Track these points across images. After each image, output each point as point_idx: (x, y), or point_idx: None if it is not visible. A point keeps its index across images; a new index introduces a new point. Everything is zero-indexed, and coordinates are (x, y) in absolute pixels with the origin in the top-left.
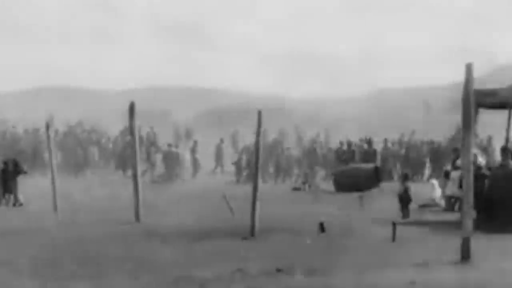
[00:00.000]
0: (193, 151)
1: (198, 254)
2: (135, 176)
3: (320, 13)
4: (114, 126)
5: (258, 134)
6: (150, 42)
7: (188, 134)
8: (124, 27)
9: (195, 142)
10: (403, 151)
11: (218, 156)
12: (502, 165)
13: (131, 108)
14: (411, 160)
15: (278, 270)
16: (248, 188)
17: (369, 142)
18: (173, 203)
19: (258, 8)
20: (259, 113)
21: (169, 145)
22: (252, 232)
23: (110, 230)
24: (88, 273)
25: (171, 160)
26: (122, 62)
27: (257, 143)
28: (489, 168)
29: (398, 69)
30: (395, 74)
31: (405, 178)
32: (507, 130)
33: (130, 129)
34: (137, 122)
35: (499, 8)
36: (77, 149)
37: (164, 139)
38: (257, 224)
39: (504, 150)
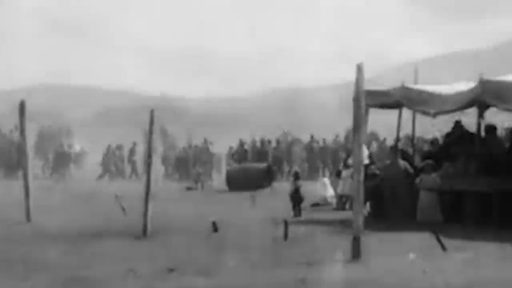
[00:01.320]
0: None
1: (90, 254)
2: (25, 176)
3: (215, 12)
4: (4, 125)
5: (150, 133)
6: (41, 40)
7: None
8: (15, 25)
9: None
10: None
11: (131, 159)
12: (392, 164)
13: (21, 107)
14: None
15: (171, 270)
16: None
17: (262, 141)
18: (66, 203)
19: (152, 7)
20: (151, 112)
21: (61, 145)
22: (144, 232)
23: (0, 231)
24: None
25: (65, 160)
26: (12, 60)
27: (149, 142)
28: (377, 167)
29: (289, 68)
30: (286, 73)
31: (296, 177)
32: (398, 130)
33: (21, 129)
34: (27, 121)
35: (391, 10)
36: None
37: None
38: (149, 223)
39: (394, 149)
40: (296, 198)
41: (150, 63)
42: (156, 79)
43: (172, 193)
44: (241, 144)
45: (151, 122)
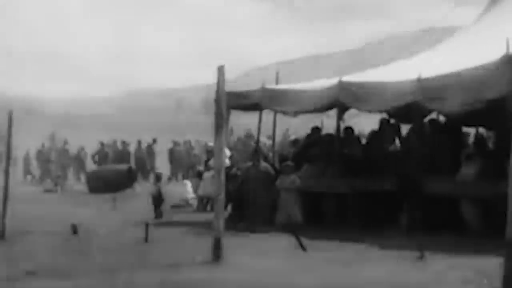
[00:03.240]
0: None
1: None
2: None
3: (75, 13)
4: None
5: (9, 135)
6: None
7: None
8: None
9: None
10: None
11: (26, 163)
12: (253, 165)
13: None
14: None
15: (29, 273)
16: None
17: (124, 142)
18: None
19: (12, 8)
20: (10, 113)
21: None
22: (2, 235)
23: None
24: None
25: None
26: None
27: (8, 144)
28: (239, 168)
29: (150, 70)
30: (147, 75)
31: (158, 179)
32: (258, 132)
33: None
34: None
35: (256, 12)
36: None
37: None
38: (7, 226)
39: (255, 150)
40: (158, 199)
41: (8, 64)
42: (13, 80)
43: (30, 196)
44: (102, 145)
45: (10, 125)
